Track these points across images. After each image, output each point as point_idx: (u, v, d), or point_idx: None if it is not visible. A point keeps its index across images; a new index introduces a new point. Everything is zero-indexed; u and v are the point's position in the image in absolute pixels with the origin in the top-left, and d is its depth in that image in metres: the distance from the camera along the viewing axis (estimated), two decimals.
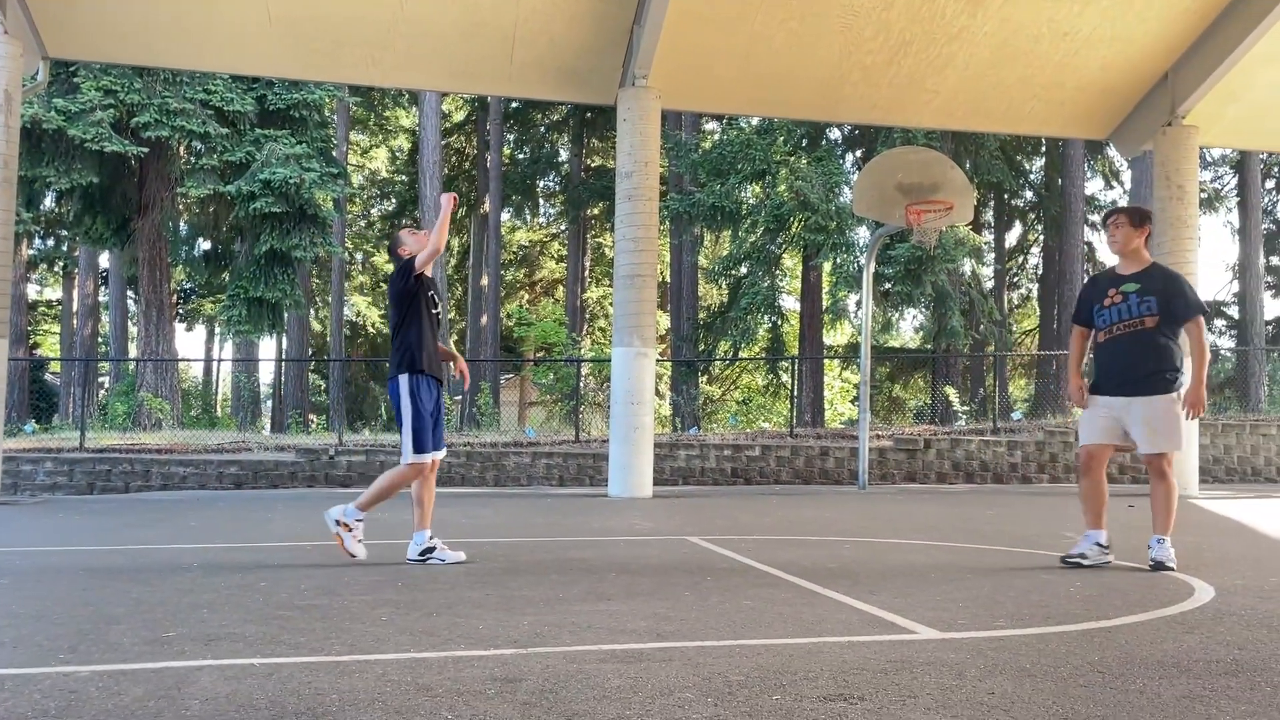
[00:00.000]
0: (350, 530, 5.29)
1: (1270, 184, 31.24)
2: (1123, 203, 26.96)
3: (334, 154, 22.94)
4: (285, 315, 22.86)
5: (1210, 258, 61.97)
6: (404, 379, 5.23)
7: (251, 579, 4.72)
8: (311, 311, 34.67)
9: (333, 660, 3.08)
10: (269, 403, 34.86)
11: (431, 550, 5.32)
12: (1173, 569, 5.16)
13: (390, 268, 5.61)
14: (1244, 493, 11.92)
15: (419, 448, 5.24)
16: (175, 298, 29.65)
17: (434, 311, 5.37)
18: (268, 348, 40.91)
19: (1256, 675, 2.91)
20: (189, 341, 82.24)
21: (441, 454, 5.44)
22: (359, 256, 38.99)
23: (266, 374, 37.55)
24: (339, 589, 4.43)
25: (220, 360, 33.32)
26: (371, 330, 38.88)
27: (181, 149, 18.92)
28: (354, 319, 38.05)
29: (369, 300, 38.56)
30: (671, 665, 3.01)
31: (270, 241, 18.54)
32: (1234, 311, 29.25)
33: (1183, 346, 5.27)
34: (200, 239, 22.76)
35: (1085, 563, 5.36)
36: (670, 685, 2.77)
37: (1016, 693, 2.72)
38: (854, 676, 2.88)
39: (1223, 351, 28.12)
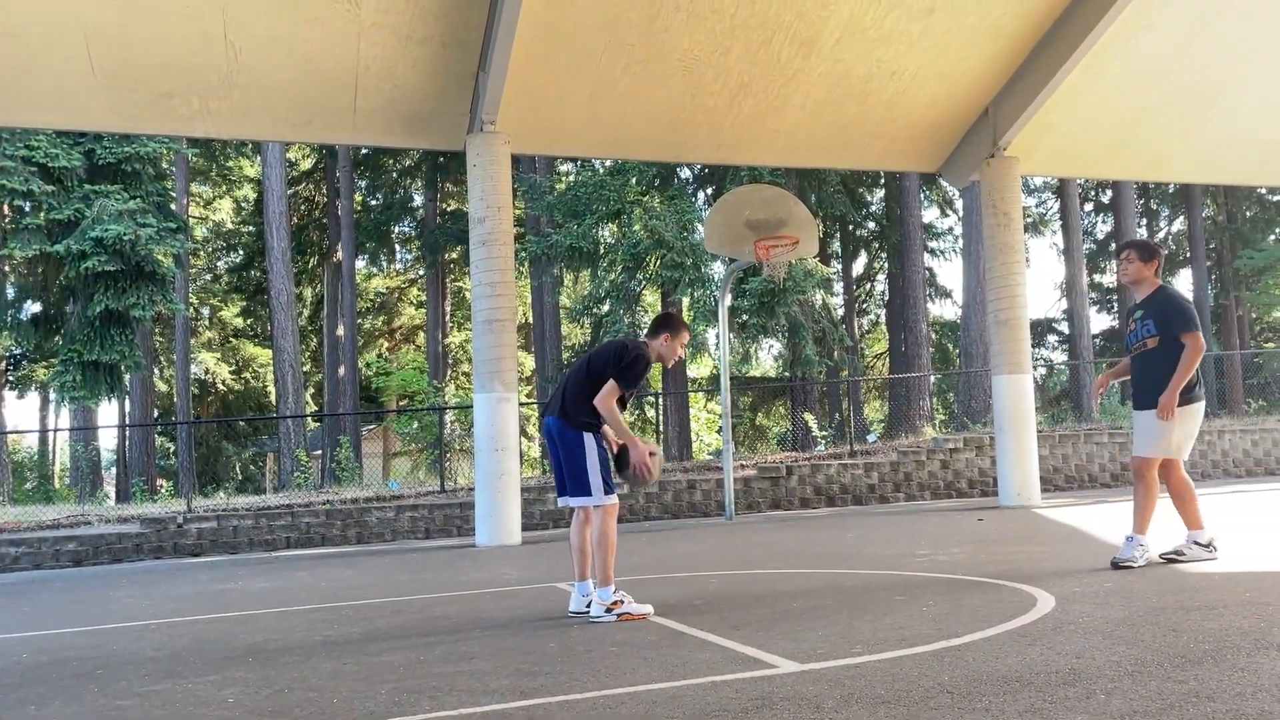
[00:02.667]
0: (623, 602, 4.89)
1: (1089, 207, 33.58)
2: (957, 230, 28.44)
3: (173, 207, 22.03)
4: (125, 377, 21.70)
5: (1041, 278, 66.05)
6: (589, 436, 4.97)
7: (88, 667, 4.41)
8: (156, 371, 33.01)
9: None
10: (113, 470, 32.90)
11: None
12: (1130, 566, 5.58)
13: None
14: (1082, 500, 12.63)
15: (609, 490, 4.99)
16: (4, 365, 27.74)
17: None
18: (110, 412, 38.61)
19: (1092, 683, 3.06)
20: (21, 410, 77.11)
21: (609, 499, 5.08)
22: (205, 312, 37.43)
23: (110, 440, 35.51)
24: (184, 671, 4.18)
25: (56, 430, 31.27)
26: (222, 388, 37.26)
27: (4, 208, 17.81)
28: (203, 377, 36.39)
29: (218, 357, 36.98)
30: None
31: (105, 301, 17.61)
32: (1064, 328, 31.16)
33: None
34: (29, 301, 21.43)
35: (1181, 559, 5.72)
36: None
37: None
38: (715, 719, 2.89)
39: (1056, 365, 29.91)
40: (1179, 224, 34.70)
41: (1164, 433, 5.62)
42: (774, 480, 14.14)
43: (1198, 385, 5.71)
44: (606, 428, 5.10)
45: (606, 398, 4.91)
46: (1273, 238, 31.16)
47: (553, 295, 26.65)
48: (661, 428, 20.67)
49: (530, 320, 29.12)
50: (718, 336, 13.61)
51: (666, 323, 5.26)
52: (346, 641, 4.72)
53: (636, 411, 26.56)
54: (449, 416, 20.86)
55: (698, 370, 31.72)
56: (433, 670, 3.88)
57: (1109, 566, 5.66)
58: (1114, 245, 30.31)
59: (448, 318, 33.71)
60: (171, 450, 35.08)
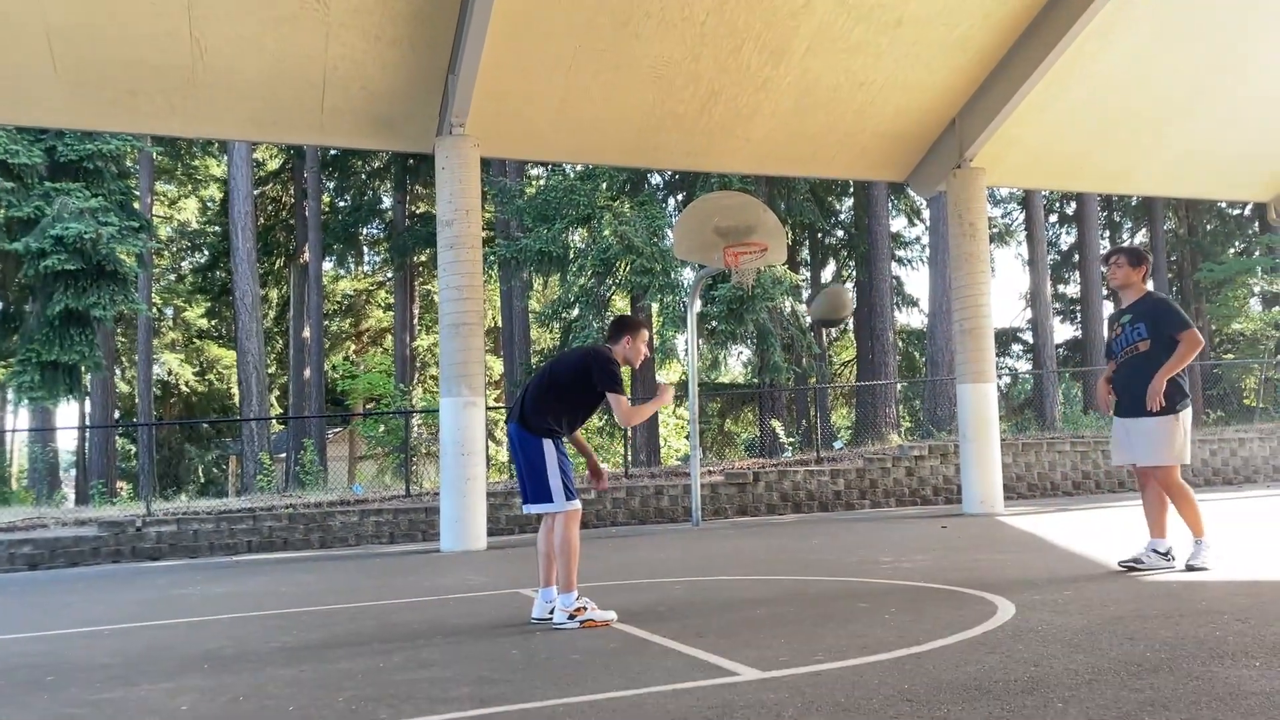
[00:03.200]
0: (586, 609, 4.85)
1: (1054, 218, 34.01)
2: (925, 239, 28.68)
3: (136, 206, 21.73)
4: (86, 378, 21.36)
5: (1006, 288, 66.77)
6: (549, 442, 4.93)
7: (39, 674, 4.32)
8: (117, 372, 32.54)
9: None
10: (73, 472, 32.33)
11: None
12: (1205, 568, 5.60)
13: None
14: (1045, 508, 12.76)
15: (570, 495, 4.93)
16: None
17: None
18: (69, 413, 37.99)
19: (1050, 692, 3.08)
20: None
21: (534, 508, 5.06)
22: (169, 312, 36.95)
23: (70, 441, 34.90)
24: (137, 678, 4.11)
25: (14, 430, 30.70)
26: (185, 389, 36.78)
27: None
28: (165, 378, 35.89)
29: (181, 358, 36.50)
30: None
31: (65, 301, 17.34)
32: (1029, 337, 31.51)
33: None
34: None
35: (1140, 568, 5.74)
36: None
37: None
38: None
39: (1021, 374, 30.24)
40: (1141, 236, 35.22)
41: (1171, 438, 5.66)
42: (741, 486, 14.16)
43: (1188, 392, 5.80)
44: (579, 434, 5.15)
45: (626, 413, 4.98)
46: (1233, 251, 31.72)
47: (522, 299, 26.58)
48: (630, 433, 20.64)
49: (499, 324, 29.02)
50: (686, 342, 13.62)
51: (624, 325, 5.24)
52: (305, 648, 4.67)
53: (605, 416, 26.55)
54: (415, 420, 20.72)
55: (666, 376, 31.74)
56: (392, 678, 3.83)
57: (1185, 569, 5.65)
58: (1077, 257, 30.72)
59: (416, 321, 33.51)
60: (133, 452, 34.58)
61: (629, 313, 5.07)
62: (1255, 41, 12.27)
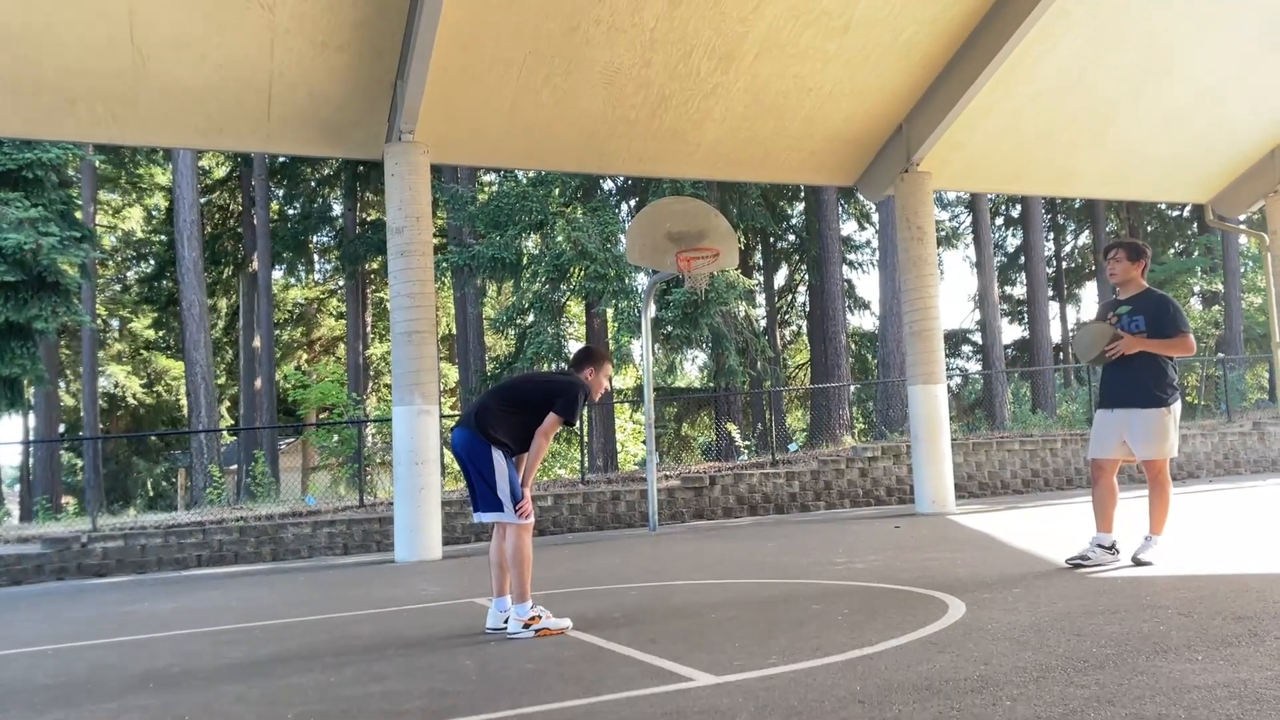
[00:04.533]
0: (540, 618, 4.80)
1: (999, 221, 34.58)
2: (875, 243, 28.99)
3: (78, 216, 21.28)
4: (28, 391, 20.86)
5: (955, 291, 67.59)
6: (497, 451, 4.87)
7: None
8: (62, 385, 31.82)
9: None
10: (16, 488, 31.54)
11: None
12: (1150, 563, 5.70)
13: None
14: (995, 506, 12.95)
15: (517, 499, 4.87)
16: None
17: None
18: (12, 427, 37.03)
19: (999, 690, 3.12)
20: None
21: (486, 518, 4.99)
22: (115, 323, 36.22)
23: (13, 457, 34.07)
24: (80, 699, 4.01)
25: None
26: (132, 401, 36.06)
27: None
28: (112, 390, 35.16)
29: (128, 370, 35.79)
30: None
31: (5, 313, 16.92)
32: (978, 338, 31.99)
33: (1173, 361, 5.88)
34: None
35: (1087, 564, 5.81)
36: None
37: None
38: None
39: (971, 375, 30.68)
40: (1084, 238, 35.99)
41: (1167, 432, 5.79)
42: (698, 490, 14.20)
43: (1179, 387, 5.94)
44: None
45: (549, 432, 4.94)
46: (1173, 251, 32.48)
47: (476, 306, 26.42)
48: (587, 439, 20.59)
49: (454, 331, 28.83)
50: (642, 347, 13.63)
51: (589, 357, 5.27)
52: (254, 664, 4.59)
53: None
54: (369, 429, 20.49)
55: (623, 381, 31.75)
56: (343, 693, 3.78)
57: (1131, 563, 5.76)
58: (1023, 259, 31.25)
59: (368, 329, 33.19)
60: (79, 466, 33.83)
61: (593, 346, 5.07)
62: (1188, 47, 12.57)
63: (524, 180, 22.79)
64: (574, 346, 25.52)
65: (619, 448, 27.97)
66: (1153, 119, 13.64)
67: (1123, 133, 13.76)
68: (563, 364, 22.61)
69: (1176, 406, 5.90)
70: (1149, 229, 32.81)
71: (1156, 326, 5.86)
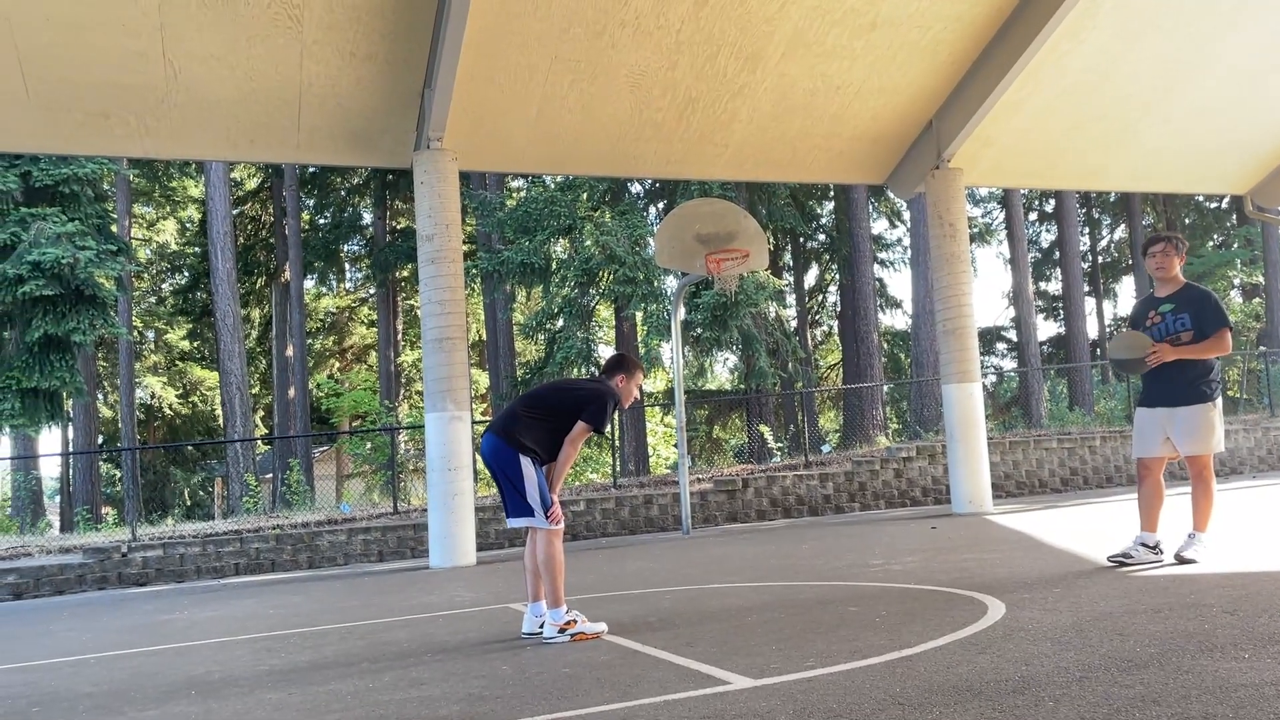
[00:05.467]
0: (575, 622, 4.81)
1: (1033, 216, 34.21)
2: (906, 241, 28.80)
3: (114, 229, 21.60)
4: (67, 404, 21.18)
5: (989, 288, 67.07)
6: (525, 457, 4.88)
7: (22, 705, 4.26)
8: (100, 397, 32.29)
9: None
10: (57, 499, 32.03)
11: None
12: (1194, 561, 5.61)
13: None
14: (1033, 505, 12.79)
15: (547, 504, 4.88)
16: None
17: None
18: (52, 440, 37.56)
19: (1040, 691, 3.07)
20: None
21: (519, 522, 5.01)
22: (150, 335, 36.72)
23: (53, 468, 34.61)
24: (123, 706, 4.05)
25: None
26: (169, 412, 36.53)
27: None
28: (149, 401, 35.64)
29: (164, 381, 36.26)
30: None
31: (44, 327, 17.18)
32: (1013, 335, 31.66)
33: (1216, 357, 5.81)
34: None
35: (1129, 562, 5.75)
36: None
37: None
38: None
39: (1006, 373, 30.36)
40: (1120, 232, 35.51)
41: (1212, 427, 5.72)
42: (730, 493, 14.15)
43: (1221, 382, 5.85)
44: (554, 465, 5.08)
45: (578, 439, 4.94)
46: (1211, 244, 31.97)
47: (505, 312, 26.52)
48: (618, 443, 20.60)
49: (484, 337, 28.95)
50: (672, 350, 13.61)
51: (621, 364, 5.25)
52: (293, 670, 4.62)
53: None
54: (402, 436, 20.62)
55: (653, 384, 31.74)
56: (380, 698, 3.79)
57: (1175, 561, 5.68)
58: (1058, 254, 30.89)
59: (399, 336, 33.41)
60: (117, 477, 34.32)
61: (625, 354, 5.06)
62: (1222, 35, 12.37)
63: (551, 185, 22.87)
64: (604, 351, 25.57)
65: (650, 451, 27.96)
66: (1186, 110, 13.43)
67: (1155, 125, 13.57)
68: (593, 369, 22.64)
69: (1220, 401, 5.81)
70: (1187, 221, 32.32)
71: (1200, 323, 5.77)
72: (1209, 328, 5.75)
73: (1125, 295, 37.30)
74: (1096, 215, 35.51)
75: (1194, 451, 5.77)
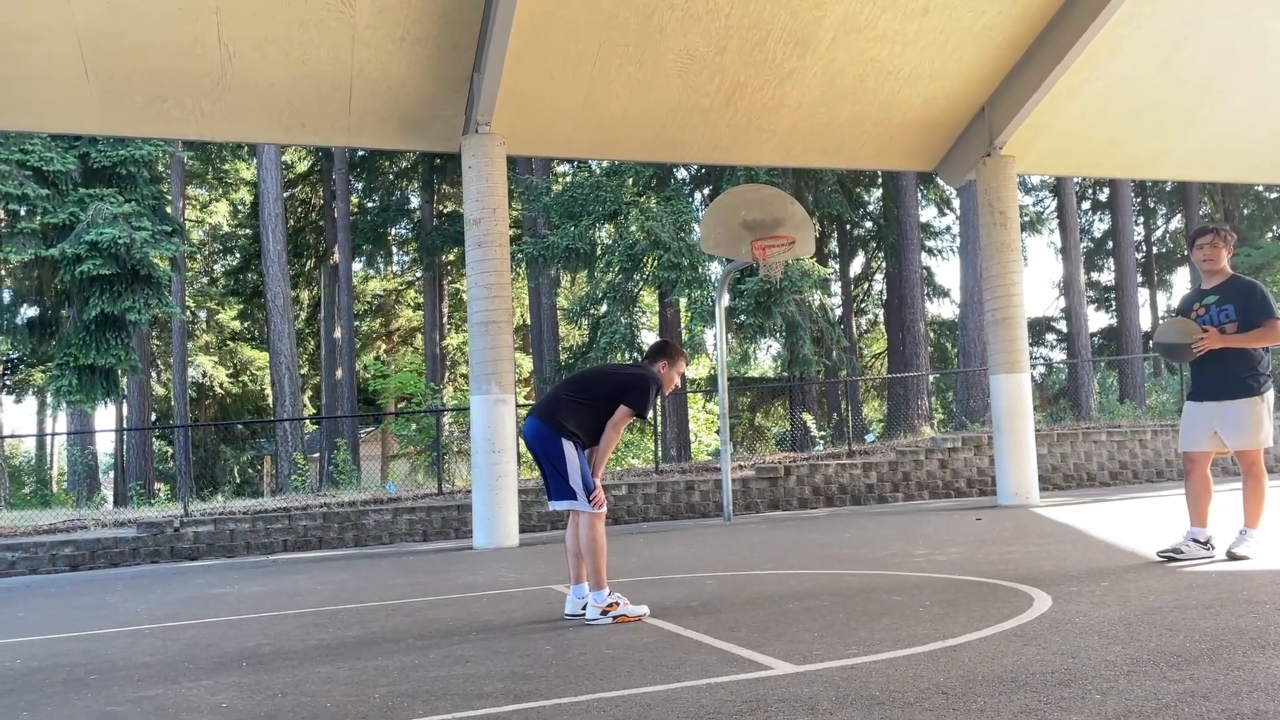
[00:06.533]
0: (618, 604, 4.87)
1: (1086, 205, 33.59)
2: (955, 229, 28.44)
3: (168, 210, 22.01)
4: (122, 381, 21.68)
5: (1038, 277, 66.03)
6: (568, 441, 4.93)
7: (81, 673, 4.39)
8: (153, 375, 32.97)
9: None
10: (111, 474, 32.81)
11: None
12: (1246, 558, 5.52)
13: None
14: (1080, 499, 12.62)
15: (590, 489, 4.93)
16: (1, 369, 27.70)
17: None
18: (107, 416, 38.51)
19: (1087, 683, 3.04)
20: (19, 414, 76.97)
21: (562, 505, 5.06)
22: (202, 315, 37.39)
23: (108, 444, 35.44)
24: (178, 675, 4.17)
25: (53, 434, 31.20)
26: (220, 391, 37.20)
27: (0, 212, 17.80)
28: (200, 380, 36.32)
29: (215, 360, 36.93)
30: None
31: (101, 305, 17.59)
32: (1063, 326, 31.16)
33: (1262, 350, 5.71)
34: (24, 305, 21.41)
35: (1180, 557, 5.69)
36: None
37: None
38: None
39: (1055, 364, 29.92)
40: (1176, 222, 34.74)
41: (1261, 421, 5.63)
42: (772, 481, 14.12)
43: (1270, 375, 5.73)
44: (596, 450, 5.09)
45: (620, 424, 4.96)
46: (1270, 235, 31.17)
47: (550, 296, 26.64)
48: (660, 429, 20.64)
49: (528, 321, 29.10)
50: (715, 337, 13.60)
51: (664, 350, 5.25)
52: (341, 645, 4.71)
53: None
54: (446, 418, 20.83)
55: (696, 371, 31.71)
56: (426, 674, 3.86)
57: (1226, 557, 5.60)
58: (1111, 244, 30.33)
59: (445, 319, 33.70)
60: (169, 454, 35.07)
61: (669, 340, 5.06)
62: None
63: (597, 170, 22.89)
64: (647, 336, 25.59)
65: (692, 437, 27.98)
66: (1245, 98, 13.10)
67: (1213, 113, 13.25)
68: (636, 355, 22.68)
69: (1270, 395, 5.68)
70: (1245, 212, 31.53)
71: (1246, 314, 5.65)
72: (1257, 318, 5.62)
73: (1180, 286, 36.49)
74: (1152, 204, 34.77)
75: (1242, 446, 5.66)
